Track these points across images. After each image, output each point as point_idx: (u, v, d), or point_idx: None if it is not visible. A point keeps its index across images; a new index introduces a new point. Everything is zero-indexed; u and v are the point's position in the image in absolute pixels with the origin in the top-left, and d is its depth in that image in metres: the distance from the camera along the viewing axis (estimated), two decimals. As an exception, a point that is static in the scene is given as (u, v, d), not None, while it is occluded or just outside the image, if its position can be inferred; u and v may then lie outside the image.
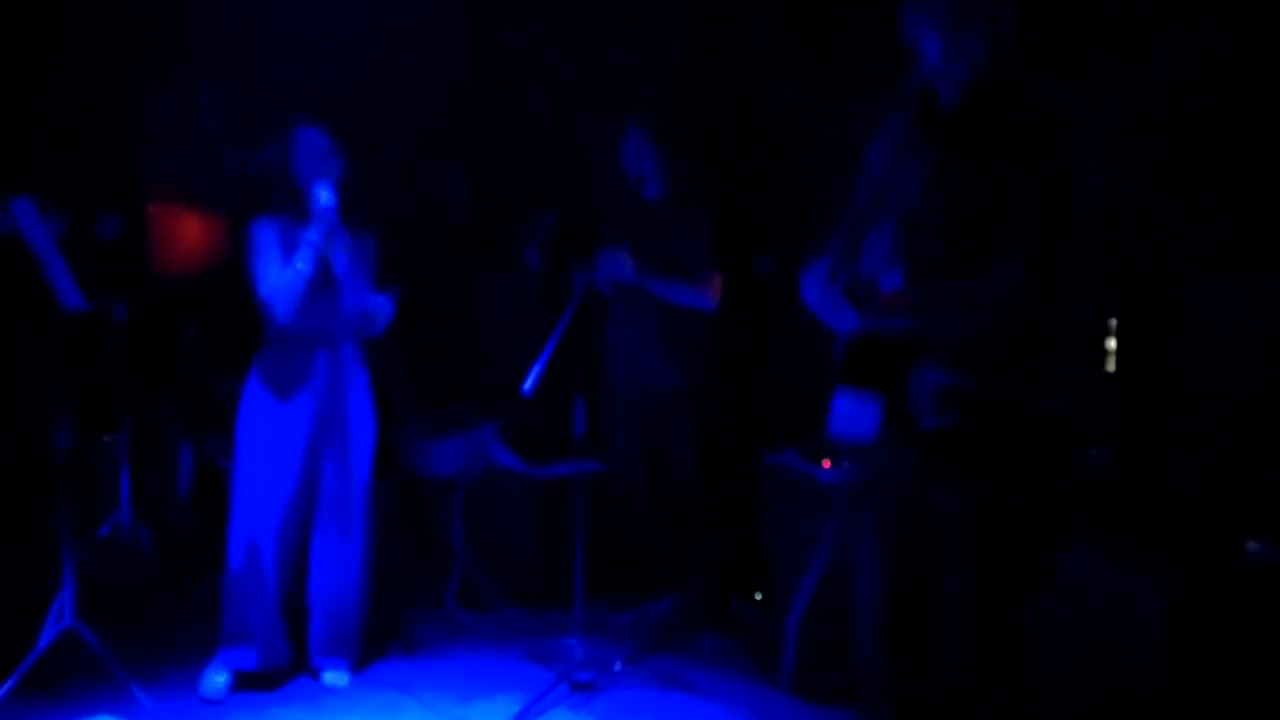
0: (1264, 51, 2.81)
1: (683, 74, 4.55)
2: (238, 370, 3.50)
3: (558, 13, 4.85)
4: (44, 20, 4.53)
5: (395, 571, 4.06)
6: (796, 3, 4.23)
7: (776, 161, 4.35)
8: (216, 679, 3.33)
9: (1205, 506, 2.83)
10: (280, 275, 3.23)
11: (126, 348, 4.20)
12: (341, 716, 3.27)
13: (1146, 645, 2.58)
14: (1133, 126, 2.97)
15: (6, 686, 3.16)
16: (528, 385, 3.34)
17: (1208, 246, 2.92)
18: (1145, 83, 3.03)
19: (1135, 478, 2.79)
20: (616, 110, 4.45)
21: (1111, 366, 2.85)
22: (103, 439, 4.27)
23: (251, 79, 4.81)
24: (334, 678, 3.46)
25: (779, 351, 4.22)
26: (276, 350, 3.34)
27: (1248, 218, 2.84)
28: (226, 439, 3.60)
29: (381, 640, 3.82)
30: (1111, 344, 2.81)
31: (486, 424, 4.40)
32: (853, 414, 2.19)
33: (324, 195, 3.20)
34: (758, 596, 3.96)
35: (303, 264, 3.21)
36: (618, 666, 3.55)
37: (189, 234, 5.13)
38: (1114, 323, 2.71)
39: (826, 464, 3.40)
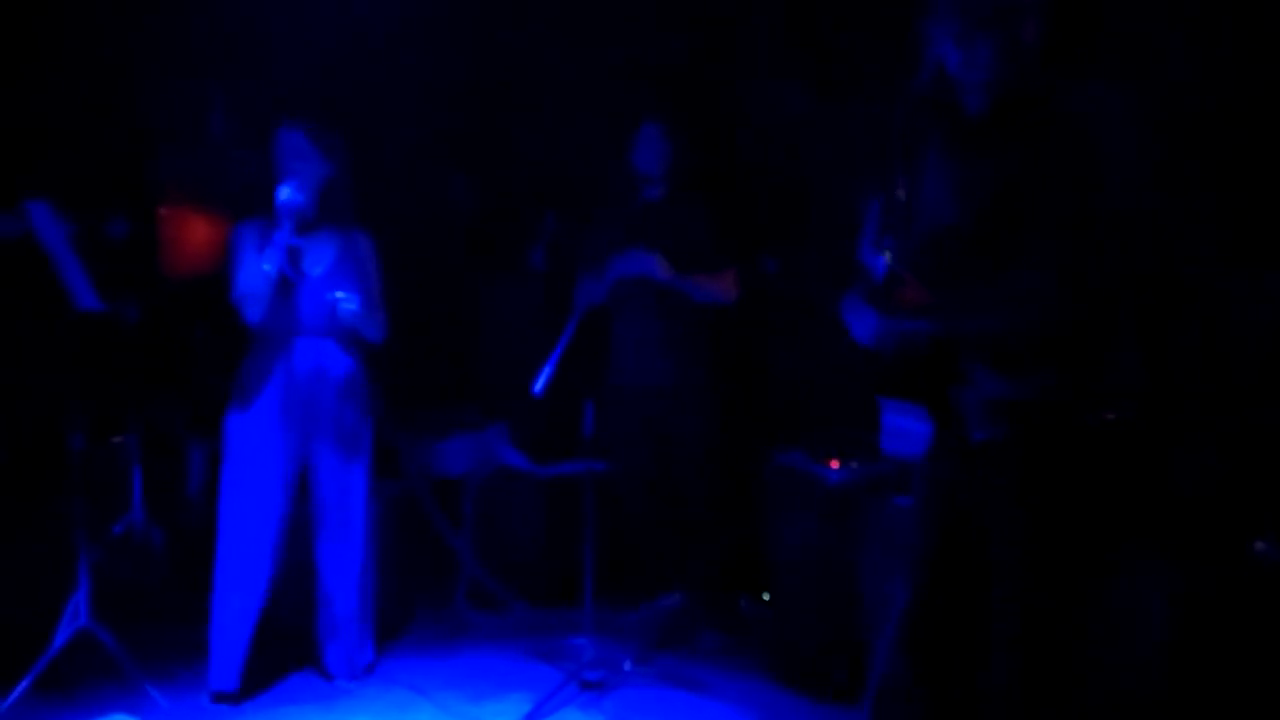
0: (1265, 51, 2.82)
1: (684, 75, 4.56)
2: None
3: (560, 14, 4.86)
4: (54, 23, 4.55)
5: (404, 571, 4.09)
6: (796, 3, 4.23)
7: (777, 162, 4.36)
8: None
9: (1212, 506, 2.84)
10: (250, 275, 3.25)
11: (138, 349, 4.23)
12: (354, 715, 3.30)
13: (1152, 645, 2.60)
14: (1134, 127, 2.97)
15: (22, 686, 3.19)
16: (538, 386, 3.36)
17: (1212, 247, 2.92)
18: (1146, 83, 3.04)
19: (1141, 476, 2.80)
20: (619, 111, 4.47)
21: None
22: (115, 439, 4.30)
23: (259, 81, 4.83)
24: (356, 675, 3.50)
25: (783, 351, 4.23)
26: (259, 350, 3.35)
27: (1249, 218, 2.85)
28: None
29: (392, 639, 3.85)
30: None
31: (494, 424, 4.42)
32: (904, 427, 2.21)
33: (284, 193, 3.21)
34: (765, 596, 3.98)
35: (268, 264, 3.22)
36: (627, 665, 3.57)
37: (198, 236, 5.16)
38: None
39: (834, 464, 3.42)
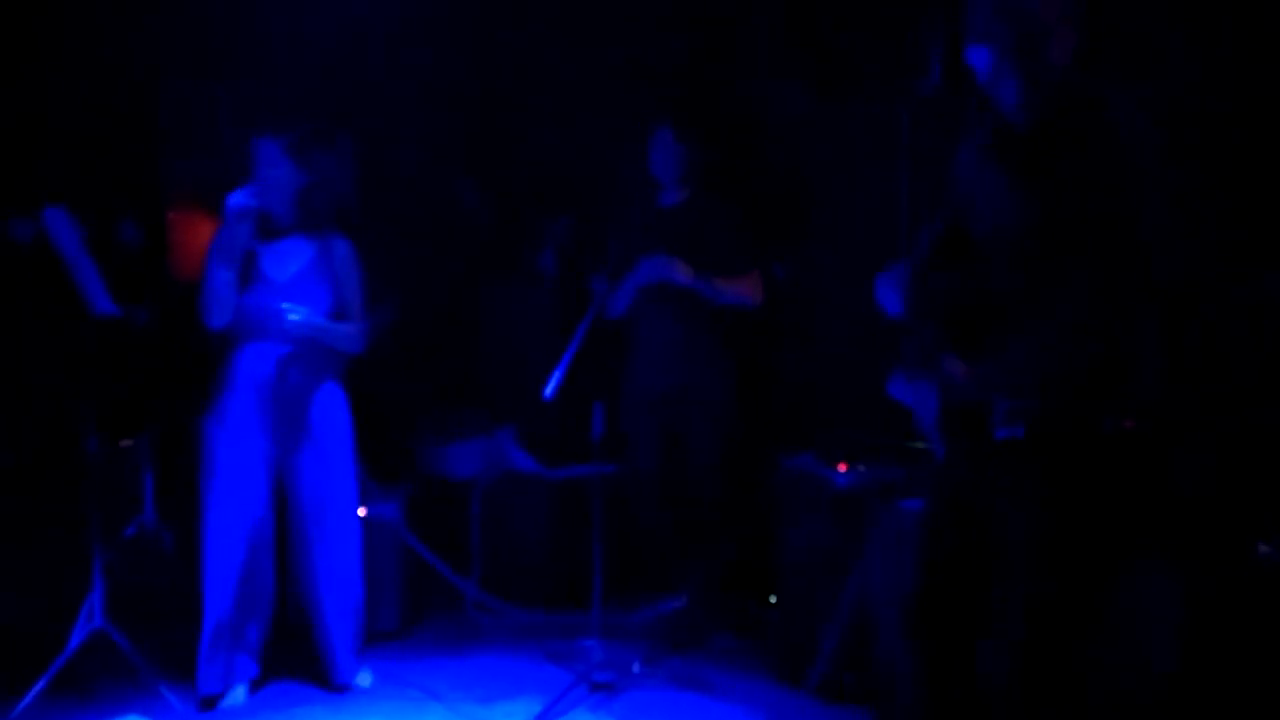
0: (1265, 52, 2.83)
1: (689, 76, 4.58)
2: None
3: (566, 17, 4.88)
4: (64, 28, 4.57)
5: (415, 574, 4.12)
6: (799, 6, 4.25)
7: (780, 163, 4.38)
8: (231, 695, 3.39)
9: (1215, 509, 2.86)
10: (209, 280, 3.29)
11: (150, 352, 4.26)
12: (365, 717, 3.33)
13: (1157, 647, 2.62)
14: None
15: (38, 686, 3.22)
16: (549, 390, 3.38)
17: (1213, 248, 2.94)
18: (1145, 85, 3.05)
19: (1152, 480, 2.81)
20: (626, 114, 4.49)
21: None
22: (126, 442, 4.33)
23: (267, 85, 4.86)
24: (359, 677, 3.52)
25: (792, 355, 4.26)
26: (229, 355, 3.38)
27: (1255, 221, 2.86)
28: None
29: (403, 642, 3.89)
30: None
31: (504, 428, 4.44)
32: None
33: (234, 199, 3.24)
34: (772, 599, 4.01)
35: (223, 269, 3.26)
36: (636, 667, 3.59)
37: (208, 240, 5.19)
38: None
39: (842, 467, 3.45)
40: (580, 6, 4.81)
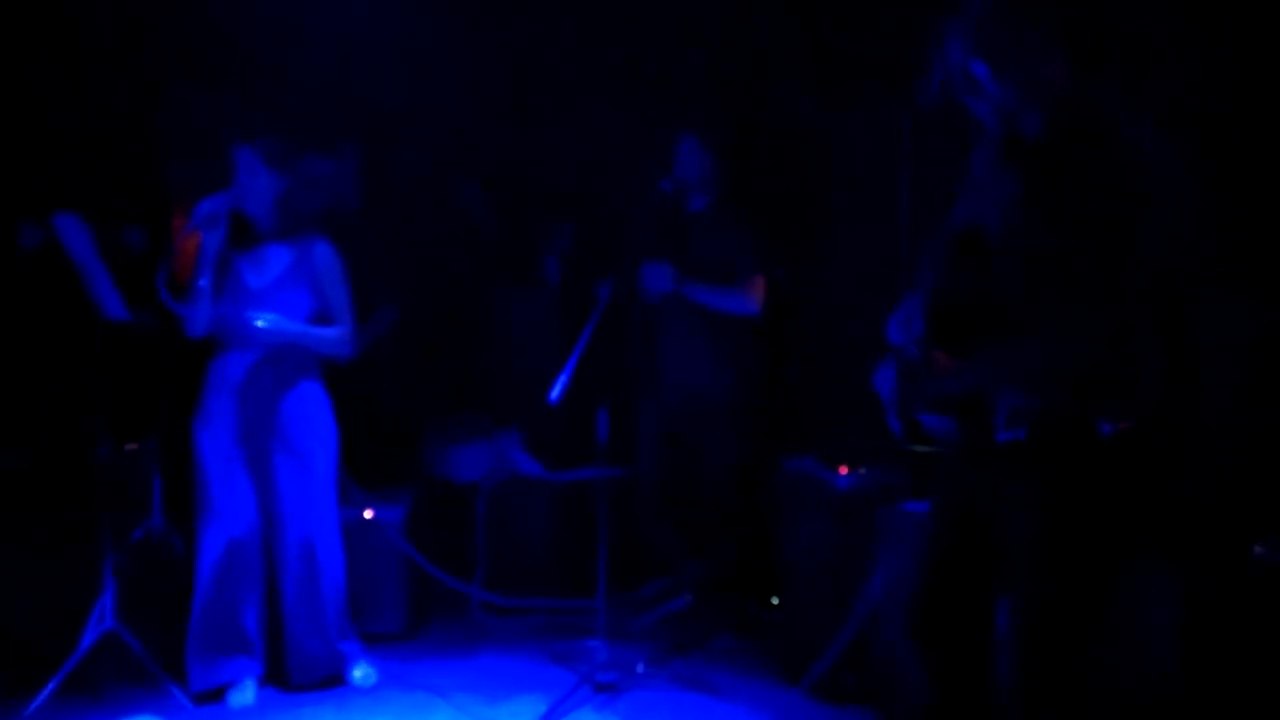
0: (1266, 53, 2.86)
1: (700, 86, 4.62)
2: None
3: (576, 26, 4.92)
4: (69, 35, 4.61)
5: (419, 576, 4.16)
6: (809, 15, 4.30)
7: (784, 170, 4.42)
8: (240, 695, 3.42)
9: (1212, 510, 2.89)
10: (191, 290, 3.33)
11: (159, 357, 4.30)
12: (373, 716, 3.36)
13: (1156, 647, 2.66)
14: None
15: (49, 687, 3.26)
16: (554, 394, 3.42)
17: (1213, 252, 2.97)
18: (1146, 89, 3.08)
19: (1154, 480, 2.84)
20: (634, 123, 4.54)
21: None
22: (134, 446, 4.36)
23: (274, 93, 4.90)
24: (363, 675, 3.56)
25: (796, 359, 4.30)
26: (211, 360, 3.43)
27: (1253, 225, 2.88)
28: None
29: (409, 643, 3.92)
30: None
31: (509, 431, 4.48)
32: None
33: (203, 207, 3.29)
34: (774, 601, 4.05)
35: (201, 279, 3.32)
36: (640, 668, 3.63)
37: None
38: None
39: (843, 470, 3.49)
40: (585, 13, 4.85)
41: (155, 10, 4.72)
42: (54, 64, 4.57)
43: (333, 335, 3.47)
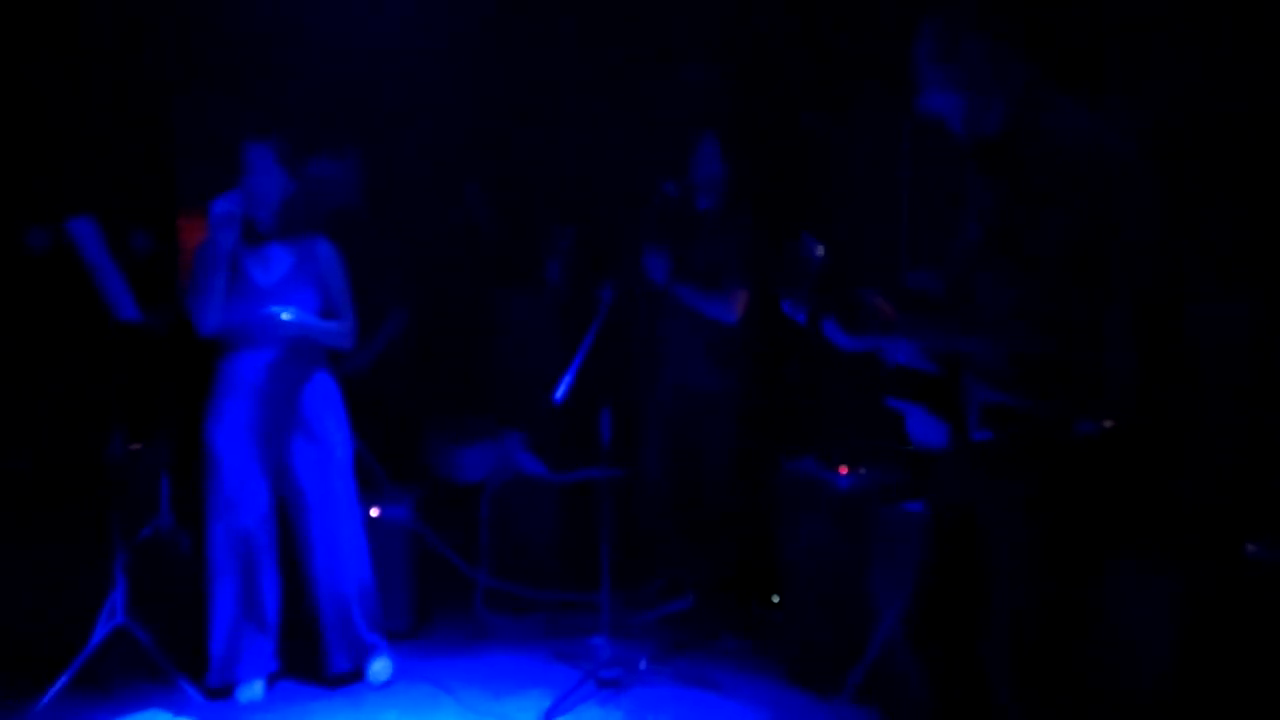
0: (1266, 54, 2.90)
1: (704, 90, 4.67)
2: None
3: (578, 30, 4.97)
4: (77, 38, 4.64)
5: (425, 573, 4.20)
6: (810, 15, 4.33)
7: (792, 173, 4.46)
8: (249, 690, 3.46)
9: (1207, 509, 2.93)
10: (196, 288, 3.36)
11: (168, 358, 4.34)
12: (382, 710, 3.41)
13: (1149, 646, 2.70)
14: (1133, 139, 3.01)
15: (60, 682, 3.30)
16: (559, 393, 3.46)
17: (1210, 257, 3.01)
18: (1146, 94, 3.12)
19: (1139, 479, 2.88)
20: (637, 126, 4.58)
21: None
22: (136, 445, 4.40)
23: (280, 96, 4.93)
24: (378, 668, 3.61)
25: (796, 360, 4.34)
26: (220, 359, 3.47)
27: (1251, 231, 2.93)
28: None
29: (415, 640, 3.97)
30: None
31: (512, 432, 4.52)
32: (927, 425, 2.30)
33: (220, 205, 3.31)
34: (775, 599, 4.10)
35: (213, 276, 3.34)
36: (643, 665, 3.67)
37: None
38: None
39: (843, 470, 3.54)
40: (586, 14, 4.89)
41: (159, 12, 4.75)
42: (58, 66, 4.60)
43: (341, 328, 3.55)
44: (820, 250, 2.29)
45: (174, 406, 4.43)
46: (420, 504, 4.23)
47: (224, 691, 3.45)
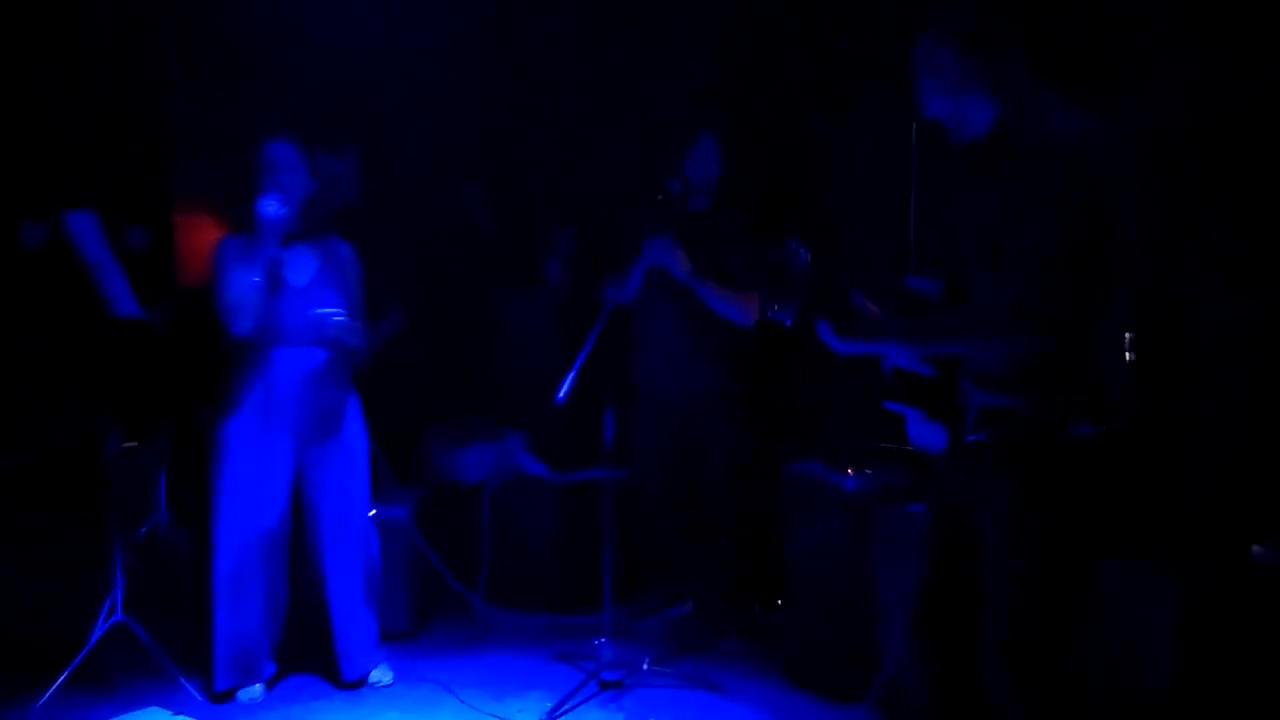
0: (1266, 55, 2.91)
1: (704, 91, 4.67)
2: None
3: (580, 29, 4.96)
4: (70, 33, 4.62)
5: (428, 574, 4.19)
6: (811, 16, 4.34)
7: (791, 174, 4.46)
8: (249, 691, 3.44)
9: (1209, 509, 2.94)
10: (235, 287, 3.32)
11: (166, 355, 4.32)
12: (383, 710, 3.40)
13: (1150, 647, 2.69)
14: (1134, 140, 3.00)
15: (60, 679, 3.28)
16: (561, 393, 3.45)
17: (1211, 258, 3.03)
18: (1146, 94, 3.13)
19: (1141, 481, 2.89)
20: (637, 127, 4.57)
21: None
22: (131, 443, 4.38)
23: (277, 94, 4.92)
24: (379, 674, 3.60)
25: (801, 362, 4.34)
26: (243, 359, 3.43)
27: (1253, 230, 2.93)
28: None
29: (417, 640, 3.95)
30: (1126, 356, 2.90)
31: (513, 433, 4.51)
32: (926, 428, 2.30)
33: (268, 207, 3.29)
34: (778, 602, 4.10)
35: (256, 275, 3.31)
36: (645, 666, 3.65)
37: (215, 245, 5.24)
38: (1129, 336, 2.81)
39: (849, 472, 3.54)
40: (589, 18, 4.89)
41: (155, 8, 4.74)
42: (54, 63, 4.58)
43: (359, 330, 3.54)
44: (805, 254, 2.31)
45: (172, 403, 4.42)
46: (421, 505, 4.22)
47: (229, 695, 3.42)
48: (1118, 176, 2.11)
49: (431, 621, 4.19)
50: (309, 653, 3.61)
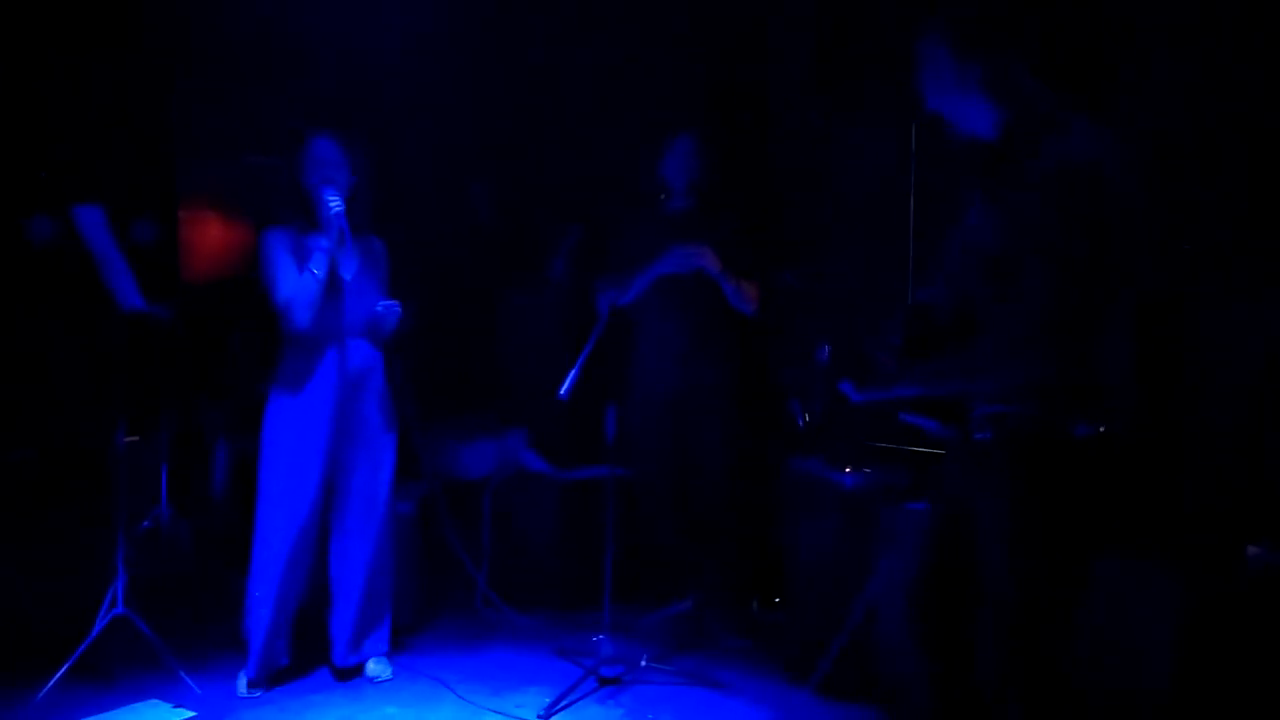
0: (1266, 56, 2.91)
1: (709, 89, 4.68)
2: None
3: (583, 28, 4.97)
4: (75, 28, 4.64)
5: (428, 570, 4.20)
6: (818, 24, 4.35)
7: (793, 175, 4.47)
8: (241, 683, 3.45)
9: (1207, 510, 2.95)
10: (296, 281, 3.34)
11: (171, 349, 4.34)
12: (382, 704, 3.40)
13: (1150, 649, 2.70)
14: (1135, 141, 3.01)
15: (61, 671, 3.28)
16: (564, 390, 3.46)
17: (1211, 261, 3.03)
18: (1147, 95, 3.13)
19: (1140, 482, 2.89)
20: (641, 123, 4.57)
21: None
22: (133, 437, 4.40)
23: (283, 91, 4.94)
24: (378, 669, 3.61)
25: (800, 361, 4.34)
26: (295, 353, 3.44)
27: (1252, 234, 2.94)
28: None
29: (417, 635, 3.96)
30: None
31: (515, 429, 4.52)
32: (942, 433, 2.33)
33: (335, 203, 3.33)
34: (777, 600, 4.10)
35: (317, 269, 3.33)
36: (644, 663, 3.66)
37: (220, 240, 5.27)
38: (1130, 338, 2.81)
39: (848, 470, 3.54)
40: (594, 17, 4.90)
41: (161, 4, 4.76)
42: (61, 58, 4.60)
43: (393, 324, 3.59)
44: (826, 352, 2.36)
45: (175, 397, 4.44)
46: (422, 501, 4.24)
47: (266, 682, 3.47)
48: (1126, 188, 2.10)
49: (433, 618, 4.20)
50: (311, 645, 3.63)
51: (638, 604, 4.18)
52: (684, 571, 4.19)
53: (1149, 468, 2.95)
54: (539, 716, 3.31)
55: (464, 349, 5.03)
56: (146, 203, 4.85)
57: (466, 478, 4.50)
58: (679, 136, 4.00)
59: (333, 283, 3.39)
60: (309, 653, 3.63)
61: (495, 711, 3.36)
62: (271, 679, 3.48)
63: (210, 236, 5.26)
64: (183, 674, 3.41)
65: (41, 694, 3.26)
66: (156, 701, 3.33)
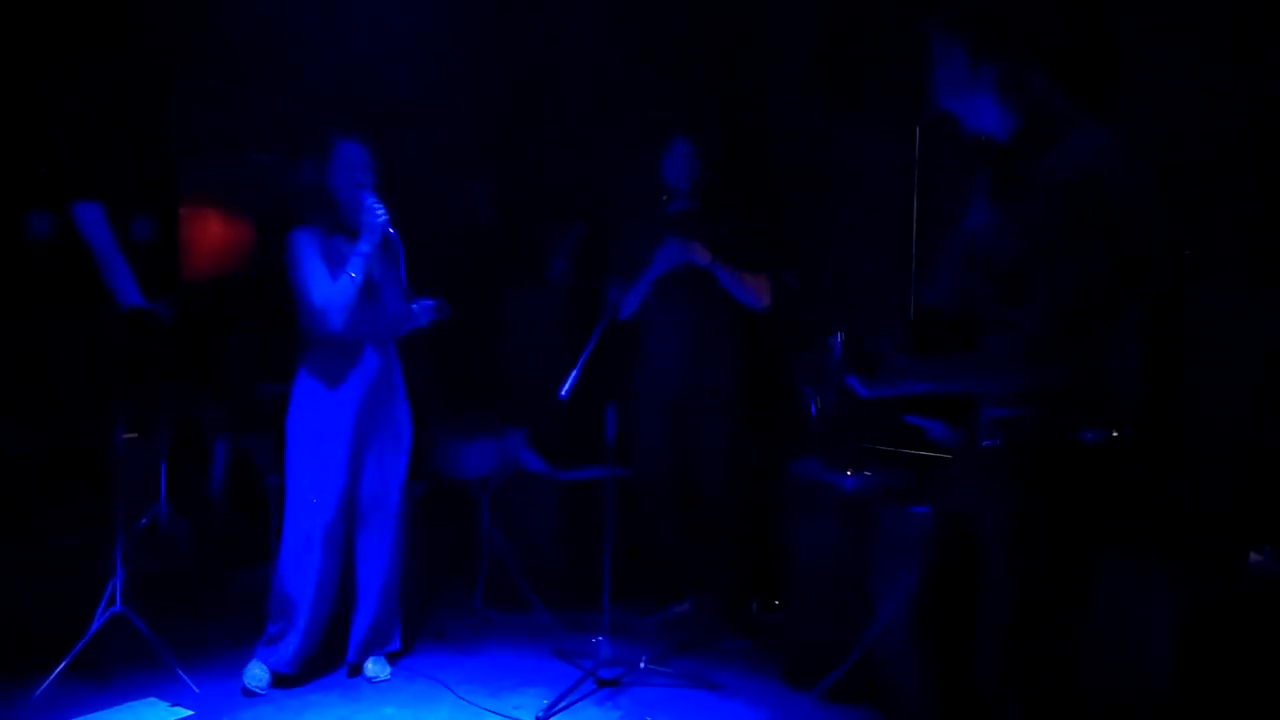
0: (1265, 63, 2.92)
1: (709, 89, 4.68)
2: (277, 373, 3.63)
3: (585, 28, 4.97)
4: (81, 28, 4.64)
5: (428, 570, 4.20)
6: (819, 24, 4.35)
7: (795, 175, 4.47)
8: (258, 672, 3.45)
9: (1209, 514, 2.94)
10: (332, 284, 3.34)
11: (170, 347, 4.33)
12: (380, 705, 3.40)
13: (1148, 651, 2.70)
14: (1136, 141, 3.02)
15: (59, 668, 3.28)
16: (564, 390, 3.46)
17: (1214, 261, 3.03)
18: (1149, 98, 3.13)
19: (1142, 484, 2.89)
20: (641, 123, 4.57)
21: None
22: (140, 435, 4.40)
23: (283, 88, 4.94)
24: (376, 669, 3.60)
25: (801, 361, 4.33)
26: (325, 354, 3.44)
27: (1254, 233, 2.94)
28: (266, 439, 3.71)
29: (416, 635, 3.95)
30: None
31: (515, 429, 4.52)
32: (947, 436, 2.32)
33: (380, 212, 3.35)
34: (776, 602, 4.09)
35: (356, 273, 3.33)
36: (643, 664, 3.66)
37: (219, 238, 5.27)
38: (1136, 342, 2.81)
39: (850, 472, 3.54)
40: (595, 18, 4.90)
41: (161, 4, 4.75)
42: (61, 56, 4.60)
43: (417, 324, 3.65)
44: (839, 339, 2.34)
45: (175, 395, 4.43)
46: (421, 500, 4.23)
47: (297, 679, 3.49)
48: (1138, 191, 2.09)
49: (435, 617, 4.19)
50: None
51: (637, 604, 4.18)
52: (684, 572, 4.19)
53: (1151, 469, 2.94)
54: (537, 718, 3.30)
55: (464, 349, 5.03)
56: (146, 200, 4.84)
57: (466, 477, 4.49)
58: (678, 138, 4.00)
59: (367, 286, 3.40)
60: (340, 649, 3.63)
61: (494, 712, 3.35)
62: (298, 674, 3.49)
63: (210, 234, 5.26)
64: (180, 672, 3.40)
65: (39, 691, 3.26)
66: (154, 700, 3.33)
